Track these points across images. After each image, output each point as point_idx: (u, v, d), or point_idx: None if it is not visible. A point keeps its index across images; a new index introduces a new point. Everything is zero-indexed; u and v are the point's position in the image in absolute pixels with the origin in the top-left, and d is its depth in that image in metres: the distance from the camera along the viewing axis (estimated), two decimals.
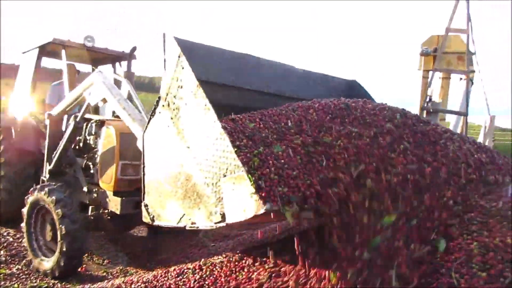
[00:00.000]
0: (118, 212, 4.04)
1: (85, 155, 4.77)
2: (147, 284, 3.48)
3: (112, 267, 4.58)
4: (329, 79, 4.00)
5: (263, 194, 2.10)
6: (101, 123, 4.50)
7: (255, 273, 3.02)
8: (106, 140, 4.29)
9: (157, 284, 3.42)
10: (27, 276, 4.26)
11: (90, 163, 4.66)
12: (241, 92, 3.45)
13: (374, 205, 2.49)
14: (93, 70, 5.99)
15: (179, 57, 2.69)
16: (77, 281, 4.07)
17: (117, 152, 4.12)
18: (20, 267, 4.46)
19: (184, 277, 3.36)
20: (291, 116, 2.80)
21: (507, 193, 2.81)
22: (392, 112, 3.20)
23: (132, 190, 4.14)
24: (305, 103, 3.03)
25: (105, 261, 4.79)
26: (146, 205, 2.95)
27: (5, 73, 6.26)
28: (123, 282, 3.69)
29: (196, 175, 2.50)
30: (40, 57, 5.49)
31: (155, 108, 2.90)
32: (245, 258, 3.30)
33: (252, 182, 2.13)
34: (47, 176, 4.62)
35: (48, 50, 5.48)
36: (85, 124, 4.58)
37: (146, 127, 3.00)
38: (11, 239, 5.27)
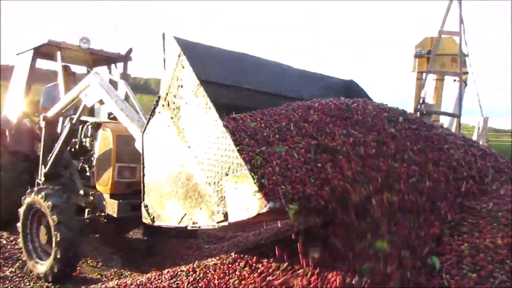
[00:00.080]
0: (115, 215, 4.00)
1: (81, 158, 4.72)
2: (140, 286, 3.46)
3: (106, 270, 4.56)
4: (327, 79, 4.01)
5: (266, 192, 2.09)
6: (97, 125, 4.47)
7: (249, 275, 3.02)
8: (103, 143, 4.25)
9: (151, 286, 3.40)
10: (20, 279, 4.22)
11: (86, 166, 4.62)
12: (240, 91, 3.44)
13: (371, 228, 2.45)
14: (88, 72, 5.96)
15: (179, 56, 2.68)
16: (71, 284, 4.04)
17: (114, 154, 4.08)
18: (13, 269, 4.43)
19: (178, 279, 3.35)
20: (292, 116, 2.80)
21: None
22: (394, 114, 3.18)
23: (129, 192, 4.11)
24: (305, 103, 3.03)
25: (99, 264, 4.76)
26: (146, 206, 2.92)
27: (5, 74, 6.19)
28: (117, 284, 3.66)
29: (197, 175, 2.49)
30: (35, 59, 5.44)
31: (154, 108, 2.89)
32: (238, 260, 3.30)
33: (255, 180, 2.12)
34: (43, 179, 4.57)
35: (43, 51, 5.43)
36: (80, 126, 4.54)
37: (146, 127, 2.98)
38: (4, 242, 5.23)
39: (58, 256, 3.84)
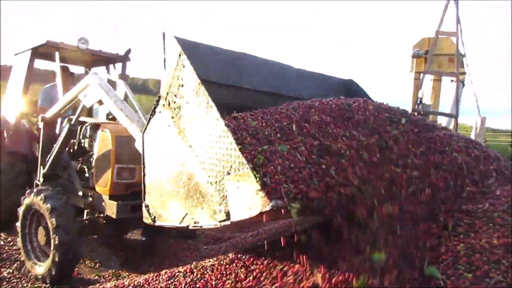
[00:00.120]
0: (114, 216, 3.99)
1: (79, 159, 4.71)
2: (138, 287, 3.47)
3: (104, 270, 4.56)
4: (326, 78, 4.01)
5: (268, 191, 2.09)
6: (96, 126, 4.45)
7: (245, 276, 3.03)
8: (102, 144, 4.24)
9: (148, 287, 3.42)
10: (18, 280, 4.22)
11: (85, 167, 4.60)
12: (239, 91, 3.44)
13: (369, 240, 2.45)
14: (86, 72, 5.94)
15: (179, 55, 2.67)
16: (69, 285, 4.03)
17: (113, 155, 4.07)
18: (11, 270, 4.42)
19: (175, 280, 3.37)
20: (292, 115, 2.80)
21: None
22: (396, 115, 3.16)
23: (128, 193, 4.10)
24: (306, 102, 3.03)
25: (97, 264, 4.75)
26: (147, 206, 2.91)
27: (5, 74, 6.16)
28: (115, 285, 3.67)
29: (199, 174, 2.48)
30: (33, 59, 5.42)
31: (155, 108, 2.88)
32: (235, 261, 3.31)
33: (257, 179, 2.11)
34: (41, 179, 4.55)
35: (41, 52, 5.41)
36: (79, 127, 4.52)
37: (146, 127, 2.97)
38: (2, 243, 5.21)
39: (56, 259, 3.83)
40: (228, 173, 2.27)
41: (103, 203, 4.15)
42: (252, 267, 3.13)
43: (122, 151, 4.07)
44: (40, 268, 4.09)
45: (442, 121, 8.18)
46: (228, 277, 3.12)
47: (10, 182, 5.26)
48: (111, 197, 4.07)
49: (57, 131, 4.89)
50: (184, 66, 2.64)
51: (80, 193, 4.41)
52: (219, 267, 3.30)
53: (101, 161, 4.22)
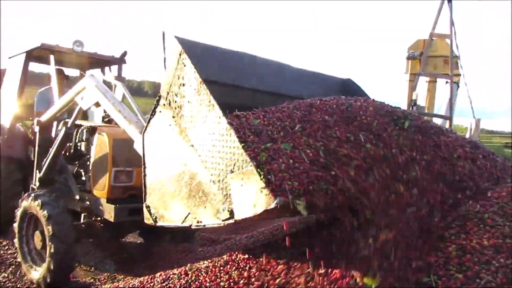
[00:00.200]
0: (112, 219, 3.94)
1: (76, 162, 4.66)
2: None
3: (99, 273, 4.53)
4: (325, 78, 4.01)
5: (273, 189, 2.07)
6: (92, 129, 4.41)
7: (239, 278, 3.04)
8: (99, 147, 4.19)
9: None
10: (13, 284, 4.18)
11: (81, 170, 4.56)
12: (238, 90, 3.42)
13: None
14: (81, 75, 5.89)
15: (180, 55, 2.66)
16: None
17: (110, 158, 4.03)
18: (6, 275, 4.38)
19: (170, 282, 3.37)
20: (294, 114, 2.78)
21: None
22: (399, 116, 3.13)
23: (125, 197, 4.06)
24: (307, 101, 3.01)
25: (93, 268, 4.72)
26: (148, 207, 2.87)
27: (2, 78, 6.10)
28: None
29: (201, 173, 2.45)
30: (27, 63, 5.37)
31: (155, 108, 2.86)
32: (230, 263, 3.31)
33: (261, 176, 2.09)
34: (37, 184, 4.49)
35: (35, 55, 5.36)
36: (75, 130, 4.48)
37: (146, 127, 2.95)
38: None
39: (51, 267, 3.79)
40: (232, 171, 2.24)
41: (100, 207, 4.10)
42: (246, 269, 3.14)
43: (120, 154, 4.03)
44: (36, 273, 4.05)
45: (436, 122, 8.23)
46: (222, 278, 3.13)
47: (5, 187, 5.18)
48: (109, 201, 4.03)
49: (53, 134, 4.84)
50: (185, 65, 2.62)
51: (77, 197, 4.36)
52: (213, 269, 3.32)
53: (98, 164, 4.18)
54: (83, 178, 4.52)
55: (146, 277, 3.67)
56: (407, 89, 8.08)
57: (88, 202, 4.31)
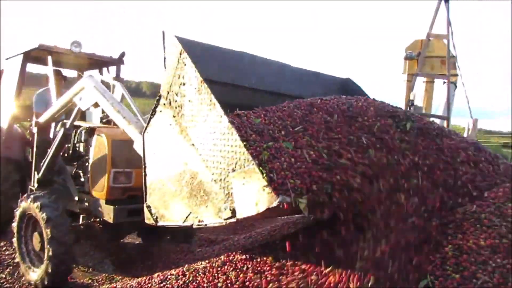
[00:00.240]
0: (111, 220, 3.92)
1: (74, 163, 4.64)
2: None
3: (97, 274, 4.51)
4: (324, 77, 4.01)
5: (275, 187, 2.06)
6: (91, 130, 4.39)
7: (236, 279, 3.04)
8: (98, 148, 4.17)
9: None
10: (11, 285, 4.16)
11: (80, 171, 4.53)
12: (238, 89, 3.42)
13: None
14: (79, 75, 5.87)
15: (180, 54, 2.65)
16: None
17: (109, 160, 4.01)
18: (4, 276, 4.35)
19: (168, 283, 3.37)
20: (295, 113, 2.79)
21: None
22: (401, 118, 3.11)
23: (124, 198, 4.05)
24: (307, 101, 3.02)
25: (91, 268, 4.70)
26: (148, 206, 2.86)
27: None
28: None
29: (202, 172, 2.45)
30: (25, 64, 5.33)
31: (155, 107, 2.85)
32: (227, 263, 3.32)
33: (264, 175, 2.09)
34: (36, 185, 4.46)
35: (33, 56, 5.33)
36: (74, 131, 4.46)
37: (146, 127, 2.94)
38: None
39: (49, 270, 3.78)
40: (233, 170, 2.24)
41: (99, 208, 4.08)
42: (243, 270, 3.15)
43: (119, 155, 4.02)
44: (34, 274, 4.03)
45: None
46: (219, 279, 3.13)
47: (3, 189, 5.15)
48: (108, 202, 4.01)
49: (51, 135, 4.81)
50: (185, 65, 2.62)
51: (76, 198, 4.34)
52: (211, 270, 3.32)
53: (97, 165, 4.16)
54: (82, 179, 4.49)
55: (144, 277, 3.67)
56: (404, 90, 8.10)
57: (87, 203, 4.29)
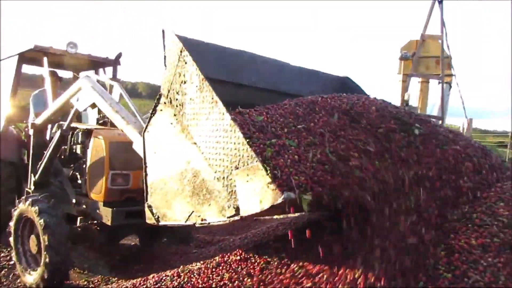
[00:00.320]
0: (109, 223, 3.89)
1: (71, 165, 4.59)
2: None
3: (93, 276, 4.47)
4: (323, 76, 4.02)
5: (280, 184, 2.05)
6: (88, 132, 4.35)
7: (231, 280, 3.04)
8: (95, 150, 4.14)
9: None
10: (6, 287, 4.13)
11: (77, 173, 4.49)
12: (238, 88, 3.40)
13: None
14: (74, 76, 5.83)
15: (181, 52, 2.64)
16: None
17: (107, 162, 3.98)
18: None
19: (163, 284, 3.37)
20: (296, 111, 2.78)
21: None
22: (406, 122, 3.08)
23: (122, 200, 4.02)
24: (307, 99, 3.01)
25: (86, 270, 4.66)
26: (149, 206, 2.83)
27: None
28: None
29: (205, 171, 2.43)
30: (20, 65, 5.29)
31: (155, 106, 2.83)
32: (222, 264, 3.32)
33: (268, 172, 2.08)
34: (32, 187, 4.41)
35: (28, 57, 5.28)
36: (70, 133, 4.41)
37: (147, 126, 2.92)
38: None
39: (45, 276, 3.75)
40: (237, 168, 2.22)
41: (97, 210, 4.04)
42: (238, 270, 3.15)
43: (116, 157, 3.99)
44: (30, 277, 3.99)
45: None
46: (214, 280, 3.13)
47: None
48: (106, 204, 3.98)
49: (47, 137, 4.77)
50: (186, 63, 2.60)
51: (74, 200, 4.30)
52: (205, 271, 3.32)
53: (94, 167, 4.13)
54: (79, 181, 4.45)
55: (139, 279, 3.65)
56: (400, 90, 8.13)
57: (84, 206, 4.25)
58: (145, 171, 2.90)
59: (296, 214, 3.67)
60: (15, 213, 4.17)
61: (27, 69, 5.92)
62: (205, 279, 3.18)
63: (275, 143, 2.31)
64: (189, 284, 3.21)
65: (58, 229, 3.78)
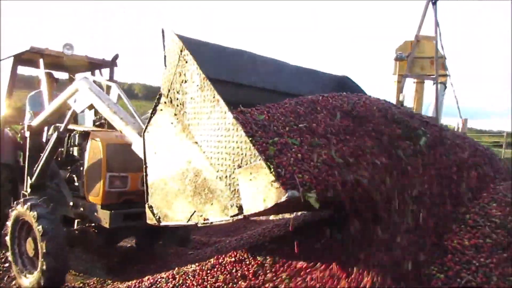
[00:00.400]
0: (107, 226, 3.85)
1: (68, 167, 4.55)
2: None
3: (89, 278, 4.42)
4: (323, 75, 4.02)
5: (284, 182, 2.04)
6: (85, 134, 4.32)
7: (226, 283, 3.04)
8: (92, 152, 4.10)
9: None
10: None
11: (74, 176, 4.45)
12: (237, 88, 3.39)
13: None
14: (70, 78, 5.79)
15: (181, 51, 2.63)
16: None
17: (104, 164, 3.95)
18: None
19: (158, 286, 3.36)
20: (297, 110, 2.77)
21: None
22: (410, 128, 3.05)
23: (120, 202, 3.99)
24: (308, 98, 3.00)
25: (82, 272, 4.60)
26: (150, 207, 2.81)
27: None
28: None
29: (207, 170, 2.42)
30: (16, 66, 5.24)
31: (156, 106, 2.81)
32: (217, 266, 3.31)
33: (271, 170, 2.07)
34: (29, 190, 4.37)
35: (24, 58, 5.24)
36: (67, 135, 4.38)
37: (147, 126, 2.90)
38: None
39: (42, 282, 3.71)
40: (239, 166, 2.21)
41: (95, 213, 4.01)
42: (233, 272, 3.14)
43: (114, 159, 3.96)
44: (26, 280, 3.94)
45: None
46: (209, 282, 3.13)
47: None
48: (103, 206, 3.94)
49: (43, 139, 4.72)
50: (186, 62, 2.59)
51: (71, 203, 4.26)
52: (200, 272, 3.31)
53: (92, 169, 4.09)
54: (76, 183, 4.40)
55: (134, 281, 3.63)
56: (395, 90, 8.18)
57: (81, 208, 4.21)
58: (146, 172, 2.88)
59: (299, 213, 3.68)
60: (13, 214, 4.11)
61: (23, 70, 5.89)
62: (200, 281, 3.18)
63: (278, 142, 2.30)
64: (184, 286, 3.20)
65: (56, 236, 3.73)
